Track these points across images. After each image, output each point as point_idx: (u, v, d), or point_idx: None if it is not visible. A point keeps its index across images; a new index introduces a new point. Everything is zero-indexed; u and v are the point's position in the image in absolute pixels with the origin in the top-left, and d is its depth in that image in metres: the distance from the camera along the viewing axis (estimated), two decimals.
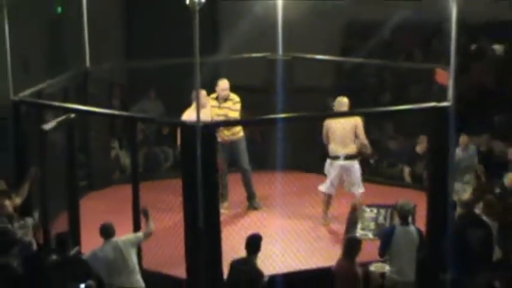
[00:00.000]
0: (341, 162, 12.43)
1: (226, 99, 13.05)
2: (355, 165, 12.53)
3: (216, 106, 13.06)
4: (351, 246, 10.47)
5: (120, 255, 10.19)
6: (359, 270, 10.37)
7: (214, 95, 13.14)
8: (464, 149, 13.90)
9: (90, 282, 9.66)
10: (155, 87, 16.77)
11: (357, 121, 12.40)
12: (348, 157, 12.43)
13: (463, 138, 13.96)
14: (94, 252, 10.30)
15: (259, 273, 10.10)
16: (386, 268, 10.65)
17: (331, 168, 12.49)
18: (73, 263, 10.32)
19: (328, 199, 12.69)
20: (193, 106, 12.45)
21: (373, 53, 17.13)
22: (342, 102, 12.49)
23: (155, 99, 16.72)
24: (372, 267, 10.72)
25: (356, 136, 12.42)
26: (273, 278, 10.59)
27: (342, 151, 12.42)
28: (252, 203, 13.28)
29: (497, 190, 12.59)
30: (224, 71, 17.90)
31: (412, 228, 10.74)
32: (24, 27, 12.99)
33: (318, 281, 10.80)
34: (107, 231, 10.33)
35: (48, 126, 11.78)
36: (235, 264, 10.26)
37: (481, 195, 11.80)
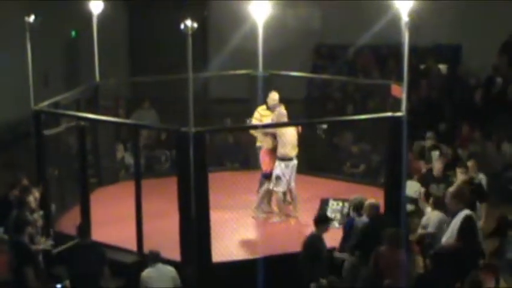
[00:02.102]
0: (295, 161, 12.12)
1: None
2: None
3: (269, 115, 12.47)
4: (396, 237, 9.99)
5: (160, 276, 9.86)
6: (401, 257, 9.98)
7: (264, 106, 12.61)
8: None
9: (66, 283, 9.41)
10: (151, 98, 16.55)
11: (298, 128, 12.17)
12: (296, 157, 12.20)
13: (472, 164, 12.25)
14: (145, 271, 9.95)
15: (313, 245, 9.98)
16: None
17: (287, 169, 12.05)
18: (89, 249, 10.12)
19: (283, 196, 12.29)
20: (273, 116, 12.27)
21: (338, 71, 17.15)
22: (282, 113, 12.12)
23: (149, 109, 16.48)
24: None
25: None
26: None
27: (293, 153, 12.10)
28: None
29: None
30: (213, 86, 17.91)
31: (364, 218, 10.59)
32: (44, 48, 12.85)
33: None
34: (153, 257, 9.97)
35: (49, 132, 11.58)
36: (306, 238, 10.21)
37: None
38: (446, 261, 10.01)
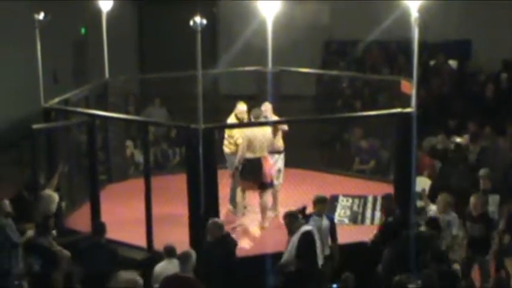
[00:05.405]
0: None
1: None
2: None
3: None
4: None
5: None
6: None
7: (233, 116, 12.15)
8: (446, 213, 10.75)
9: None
10: (161, 96, 16.58)
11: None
12: None
13: (444, 198, 10.82)
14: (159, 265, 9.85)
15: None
16: None
17: (282, 161, 12.21)
18: (102, 248, 10.09)
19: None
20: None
21: (347, 67, 17.15)
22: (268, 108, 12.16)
23: (160, 106, 16.52)
24: None
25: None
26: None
27: None
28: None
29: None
30: (222, 82, 17.93)
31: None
32: (53, 45, 12.87)
33: None
34: (168, 251, 9.85)
35: (37, 126, 11.41)
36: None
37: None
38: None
